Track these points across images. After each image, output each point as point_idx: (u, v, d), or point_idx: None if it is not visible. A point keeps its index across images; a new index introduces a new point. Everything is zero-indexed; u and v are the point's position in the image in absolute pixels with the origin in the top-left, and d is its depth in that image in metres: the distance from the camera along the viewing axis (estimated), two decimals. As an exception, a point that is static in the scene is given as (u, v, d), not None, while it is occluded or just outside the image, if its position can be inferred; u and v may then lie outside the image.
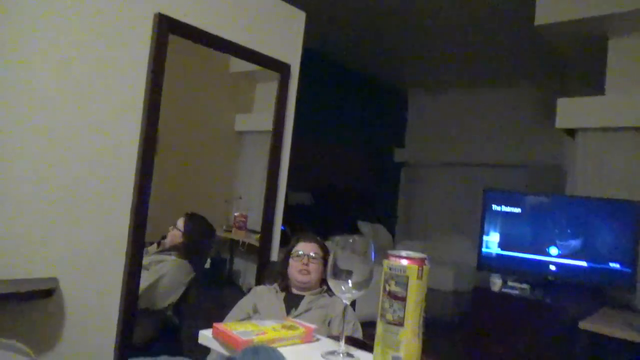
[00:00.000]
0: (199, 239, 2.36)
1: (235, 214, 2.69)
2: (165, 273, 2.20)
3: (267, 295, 1.88)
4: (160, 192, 2.03)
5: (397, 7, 4.45)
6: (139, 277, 1.94)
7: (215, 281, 2.70)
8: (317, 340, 1.04)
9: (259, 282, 2.45)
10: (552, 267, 3.26)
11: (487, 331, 3.19)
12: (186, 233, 2.30)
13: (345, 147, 6.47)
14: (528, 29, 3.84)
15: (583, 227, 3.22)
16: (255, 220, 2.60)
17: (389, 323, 0.86)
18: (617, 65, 3.56)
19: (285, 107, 2.53)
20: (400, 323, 0.85)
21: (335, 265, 0.97)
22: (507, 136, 6.39)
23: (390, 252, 0.90)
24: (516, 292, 3.18)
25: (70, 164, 1.73)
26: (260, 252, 2.49)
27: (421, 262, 0.87)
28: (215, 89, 2.67)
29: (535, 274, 3.32)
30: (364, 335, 1.69)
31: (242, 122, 2.77)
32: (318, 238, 1.96)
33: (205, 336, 0.98)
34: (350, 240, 0.97)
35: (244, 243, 2.66)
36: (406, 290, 0.85)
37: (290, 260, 1.90)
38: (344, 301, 0.99)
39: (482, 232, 3.52)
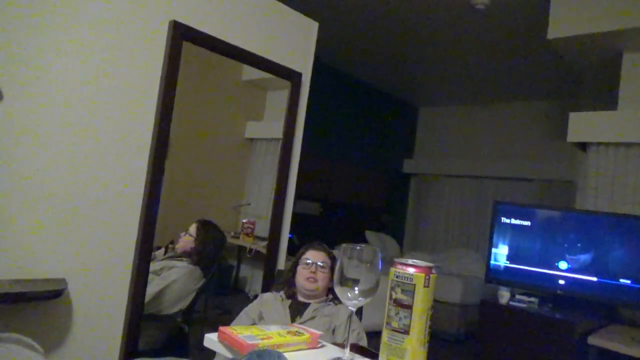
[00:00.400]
0: (212, 246, 2.37)
1: (244, 221, 2.70)
2: (177, 279, 2.21)
3: (272, 302, 1.88)
4: (169, 197, 2.05)
5: (410, 22, 4.47)
6: (146, 280, 1.96)
7: (222, 287, 2.71)
8: (322, 346, 1.04)
9: (265, 289, 2.45)
10: (561, 282, 3.22)
11: (494, 344, 3.15)
12: (199, 240, 2.31)
13: (354, 157, 6.47)
14: (541, 43, 3.84)
15: (593, 242, 3.19)
16: (263, 228, 2.61)
17: (395, 330, 0.86)
18: (630, 81, 3.54)
19: (295, 115, 2.55)
20: (405, 331, 0.85)
21: (342, 273, 0.97)
22: (518, 149, 6.36)
23: (397, 259, 0.90)
24: (524, 305, 3.15)
25: (82, 167, 1.76)
26: (268, 259, 2.49)
27: (428, 270, 0.87)
28: (227, 96, 2.70)
29: (544, 288, 3.28)
30: (370, 345, 1.68)
31: (253, 130, 2.79)
32: (327, 247, 1.97)
33: (211, 339, 0.99)
34: (358, 248, 0.98)
35: (251, 250, 2.66)
36: (412, 298, 0.85)
37: (298, 268, 1.91)
38: (350, 308, 0.99)
39: (490, 245, 3.50)
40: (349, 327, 1.03)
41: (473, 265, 5.38)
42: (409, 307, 0.85)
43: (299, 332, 1.02)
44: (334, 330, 1.74)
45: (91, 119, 1.77)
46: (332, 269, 1.87)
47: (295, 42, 2.55)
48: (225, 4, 2.19)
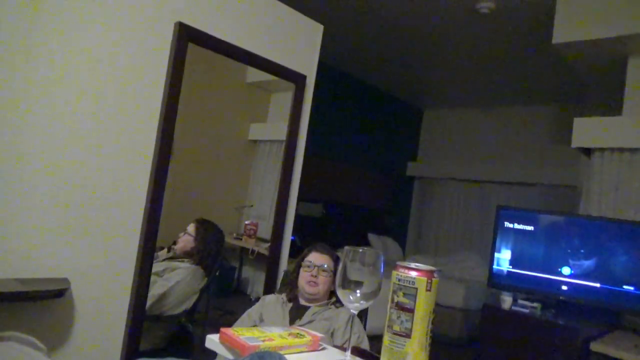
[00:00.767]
0: (212, 245, 2.38)
1: (246, 222, 2.71)
2: (181, 280, 2.22)
3: (273, 304, 1.88)
4: (173, 197, 2.06)
5: (414, 25, 4.48)
6: (149, 281, 1.96)
7: (223, 289, 2.71)
8: (323, 349, 1.04)
9: (267, 290, 2.45)
10: (564, 287, 3.21)
11: (496, 349, 3.14)
12: (198, 239, 2.32)
13: (358, 160, 6.47)
14: (546, 48, 3.83)
15: (597, 247, 3.18)
16: (265, 229, 2.62)
17: (396, 334, 0.86)
18: (635, 86, 3.53)
19: (299, 118, 2.55)
20: (407, 334, 0.85)
21: (344, 275, 0.97)
22: (522, 154, 6.34)
23: (399, 263, 0.90)
24: (526, 310, 3.13)
25: (86, 167, 1.76)
26: (270, 261, 2.49)
27: (430, 274, 0.87)
28: (231, 98, 2.70)
29: (547, 293, 3.27)
30: (373, 348, 1.68)
31: (257, 131, 2.79)
32: (330, 250, 1.95)
33: (212, 340, 0.99)
34: (360, 251, 0.98)
35: (253, 251, 2.66)
36: (414, 301, 0.85)
37: (301, 270, 1.90)
38: (352, 311, 0.99)
39: (493, 249, 3.49)
40: (351, 329, 1.03)
41: (476, 270, 5.37)
42: (411, 310, 0.85)
43: (301, 335, 1.02)
44: (332, 333, 1.74)
45: (95, 120, 1.78)
46: (335, 271, 1.85)
47: (300, 45, 2.55)
48: (230, 6, 2.19)
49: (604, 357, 2.60)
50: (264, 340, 0.94)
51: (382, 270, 0.97)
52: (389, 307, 0.89)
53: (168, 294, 2.17)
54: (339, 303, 1.80)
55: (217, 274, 2.52)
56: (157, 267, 2.21)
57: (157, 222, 1.95)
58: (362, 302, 0.96)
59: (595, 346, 2.64)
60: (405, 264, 0.89)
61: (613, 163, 3.46)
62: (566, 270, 3.22)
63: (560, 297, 3.21)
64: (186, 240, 2.33)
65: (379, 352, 0.91)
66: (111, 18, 1.80)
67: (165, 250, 2.31)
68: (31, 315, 1.65)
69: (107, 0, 1.78)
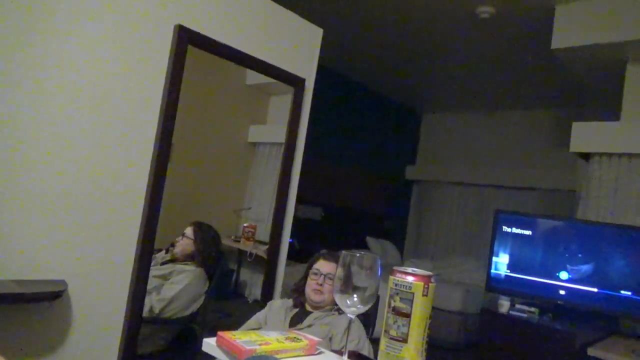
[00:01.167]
0: (211, 247, 2.40)
1: (245, 225, 2.71)
2: (190, 282, 2.26)
3: (278, 309, 1.89)
4: (171, 199, 2.06)
5: (414, 29, 4.48)
6: (146, 284, 1.96)
7: (222, 291, 2.71)
8: (320, 353, 1.04)
9: (264, 293, 2.45)
10: (562, 292, 3.21)
11: (494, 354, 3.14)
12: (198, 241, 2.33)
13: (356, 163, 6.47)
14: (545, 52, 3.84)
15: (594, 252, 3.18)
16: (264, 232, 2.61)
17: (393, 339, 0.86)
18: (634, 91, 3.54)
19: (298, 121, 2.55)
20: (404, 339, 0.85)
21: (340, 280, 0.97)
22: (520, 158, 6.35)
23: (396, 268, 0.90)
24: (524, 315, 3.13)
25: (85, 169, 1.76)
26: (268, 264, 2.49)
27: (427, 279, 0.87)
28: (230, 100, 2.71)
29: (544, 297, 3.27)
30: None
31: (256, 134, 2.80)
32: (338, 257, 1.94)
33: (209, 344, 0.99)
34: (358, 255, 0.98)
35: (251, 254, 2.66)
36: (411, 306, 0.85)
37: (308, 278, 1.89)
38: (349, 315, 0.99)
39: (491, 253, 3.49)
40: (348, 334, 1.03)
41: (474, 274, 5.37)
42: (407, 315, 0.85)
43: (297, 339, 1.02)
44: (331, 338, 1.73)
45: (94, 121, 1.78)
46: None
47: (299, 48, 2.56)
48: (230, 9, 2.20)
49: (601, 362, 2.61)
50: (260, 344, 0.94)
51: (379, 274, 0.97)
52: (385, 311, 0.89)
53: (179, 297, 2.21)
54: (341, 309, 1.80)
55: (218, 275, 2.53)
56: (162, 270, 2.23)
57: (155, 225, 1.95)
58: (359, 306, 0.96)
59: (592, 351, 2.64)
60: (402, 268, 0.89)
61: (611, 168, 3.47)
62: (564, 275, 3.22)
63: (558, 302, 3.21)
64: (186, 243, 2.34)
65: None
66: (111, 21, 1.80)
67: (164, 252, 2.32)
68: (28, 317, 1.64)
69: (106, 3, 1.79)
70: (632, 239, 3.07)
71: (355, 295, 0.96)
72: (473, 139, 6.92)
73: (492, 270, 3.47)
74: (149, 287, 2.06)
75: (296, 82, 2.51)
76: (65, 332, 1.74)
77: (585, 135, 3.61)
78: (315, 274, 1.86)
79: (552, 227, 3.43)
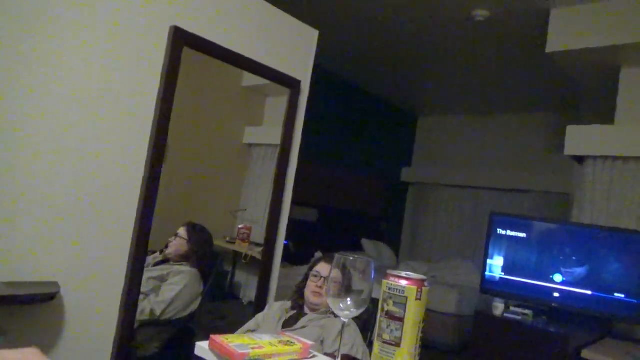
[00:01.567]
0: (205, 247, 2.40)
1: (240, 226, 2.70)
2: (188, 283, 2.26)
3: (275, 310, 1.89)
4: (166, 201, 2.05)
5: (410, 31, 4.49)
6: (140, 285, 1.95)
7: (216, 293, 2.70)
8: (314, 357, 1.04)
9: (259, 295, 2.45)
10: (556, 294, 3.22)
11: (488, 356, 3.14)
12: (192, 241, 2.33)
13: (352, 165, 6.48)
14: (540, 56, 3.86)
15: (589, 255, 3.19)
16: (259, 233, 2.61)
17: (386, 343, 0.86)
18: (628, 95, 3.56)
19: (294, 122, 2.55)
20: (397, 343, 0.85)
21: (334, 283, 0.97)
22: (515, 161, 6.37)
23: (389, 272, 0.90)
24: (518, 317, 3.14)
25: (78, 169, 1.75)
26: (263, 266, 2.49)
27: (420, 283, 0.87)
28: (226, 101, 2.70)
29: (539, 300, 3.28)
30: None
31: (251, 135, 2.79)
32: None
33: (202, 348, 0.98)
34: (351, 259, 0.98)
35: (246, 255, 2.66)
36: (404, 310, 0.85)
37: (308, 280, 1.89)
38: (342, 319, 0.99)
39: (486, 256, 3.50)
40: (341, 338, 1.03)
41: (469, 276, 5.37)
42: (401, 319, 0.85)
43: (291, 342, 1.02)
44: (322, 341, 1.73)
45: (88, 122, 1.77)
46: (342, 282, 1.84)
47: (295, 50, 2.55)
48: (225, 10, 2.20)
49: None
50: (253, 348, 0.94)
51: (372, 278, 0.97)
52: (379, 315, 0.89)
53: (178, 298, 2.21)
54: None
55: (213, 276, 2.53)
56: (157, 271, 2.23)
57: (149, 226, 1.94)
58: (352, 309, 0.96)
59: (586, 354, 2.65)
60: (396, 272, 0.90)
61: (605, 171, 3.49)
62: (558, 278, 3.24)
63: (552, 305, 3.22)
64: (179, 243, 2.34)
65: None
66: (106, 22, 1.79)
67: (158, 253, 2.31)
68: (20, 319, 1.63)
69: (101, 4, 1.78)
70: (626, 242, 3.09)
71: (349, 299, 0.96)
72: (469, 142, 6.94)
73: (487, 273, 3.48)
74: (145, 289, 2.06)
75: (292, 84, 2.51)
76: (58, 334, 1.72)
77: (580, 139, 3.63)
78: (316, 276, 1.87)
79: (546, 230, 3.44)
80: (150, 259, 2.23)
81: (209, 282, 2.39)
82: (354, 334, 1.74)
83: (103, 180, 1.82)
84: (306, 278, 1.92)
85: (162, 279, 2.22)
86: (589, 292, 3.12)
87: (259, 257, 2.53)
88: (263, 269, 2.48)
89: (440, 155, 7.27)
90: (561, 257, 3.26)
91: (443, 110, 7.23)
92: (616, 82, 3.63)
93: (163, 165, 1.97)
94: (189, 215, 2.45)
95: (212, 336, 0.97)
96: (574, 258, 3.23)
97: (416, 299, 0.86)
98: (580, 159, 3.72)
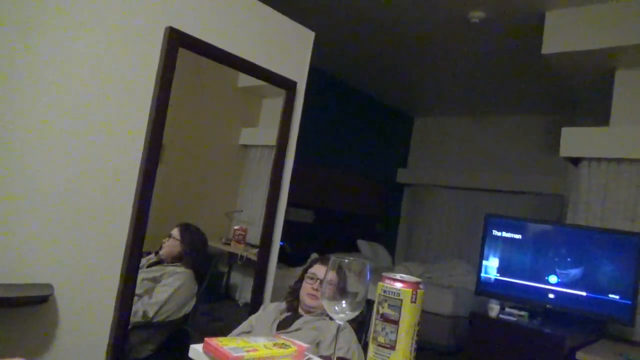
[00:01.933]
0: (199, 248, 2.39)
1: (235, 227, 2.69)
2: (182, 284, 2.25)
3: (270, 311, 1.87)
4: (161, 202, 2.05)
5: (406, 33, 4.50)
6: (135, 287, 1.94)
7: (212, 294, 2.70)
8: (309, 359, 1.04)
9: (255, 296, 2.44)
10: (551, 296, 3.23)
11: (484, 357, 3.15)
12: (185, 242, 2.33)
13: (348, 166, 6.48)
14: (535, 58, 3.87)
15: (583, 256, 3.20)
16: (254, 234, 2.60)
17: (380, 346, 0.86)
18: (623, 97, 3.58)
19: (290, 124, 2.55)
20: (392, 346, 0.85)
21: (329, 285, 0.97)
22: (511, 162, 6.39)
23: (384, 274, 0.90)
24: (514, 318, 3.15)
25: (72, 170, 1.74)
26: (258, 267, 2.48)
27: (415, 285, 0.87)
28: (222, 102, 2.69)
29: (534, 301, 3.29)
30: None
31: (247, 136, 2.79)
32: None
33: (196, 351, 0.98)
34: (347, 261, 0.97)
35: (242, 257, 2.65)
36: (399, 313, 0.85)
37: (304, 282, 1.88)
38: (337, 322, 0.99)
39: (481, 257, 3.50)
40: (336, 340, 1.03)
41: (464, 277, 5.38)
42: (396, 322, 0.85)
43: (286, 345, 1.02)
44: (318, 344, 1.72)
45: (83, 123, 1.76)
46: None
47: (291, 51, 2.55)
48: (221, 11, 2.19)
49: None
50: (247, 351, 0.93)
51: (368, 280, 0.96)
52: (374, 318, 0.88)
53: (171, 299, 2.20)
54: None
55: (208, 277, 2.53)
56: (151, 273, 2.22)
57: (144, 227, 1.93)
58: (347, 312, 0.96)
59: (581, 355, 2.66)
60: (391, 275, 0.89)
61: (600, 173, 3.50)
62: (553, 279, 3.24)
63: (547, 306, 3.23)
64: (172, 244, 2.33)
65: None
66: (101, 22, 1.79)
67: (152, 255, 2.30)
68: (14, 321, 1.62)
69: (96, 5, 1.77)
70: (620, 244, 3.10)
71: (344, 301, 0.96)
72: (464, 143, 6.96)
73: (482, 274, 3.48)
74: (139, 290, 2.04)
75: (288, 85, 2.50)
76: (52, 336, 1.71)
77: (575, 140, 3.65)
78: (312, 278, 1.84)
79: (541, 231, 3.45)
80: (144, 261, 2.22)
81: (203, 283, 2.38)
82: (349, 336, 1.73)
83: (98, 182, 1.81)
84: (301, 279, 1.91)
85: (155, 280, 2.21)
86: (584, 294, 3.14)
87: (254, 258, 2.52)
88: (259, 270, 2.48)
89: (436, 156, 7.28)
90: (556, 259, 3.27)
91: (439, 112, 7.24)
92: (611, 84, 3.65)
93: (158, 166, 1.97)
94: (184, 216, 2.44)
95: (207, 339, 0.97)
96: (569, 259, 3.24)
97: (411, 302, 0.86)
98: (575, 161, 3.73)
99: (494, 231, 3.49)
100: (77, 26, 1.72)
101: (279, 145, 2.51)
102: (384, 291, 0.87)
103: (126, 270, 1.89)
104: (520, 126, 6.42)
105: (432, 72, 5.58)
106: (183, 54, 2.02)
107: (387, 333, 0.85)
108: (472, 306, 4.54)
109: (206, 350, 0.95)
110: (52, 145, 1.69)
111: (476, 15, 3.88)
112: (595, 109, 4.43)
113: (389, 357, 0.85)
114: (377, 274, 0.93)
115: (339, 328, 0.99)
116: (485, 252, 3.49)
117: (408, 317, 0.85)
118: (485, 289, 3.46)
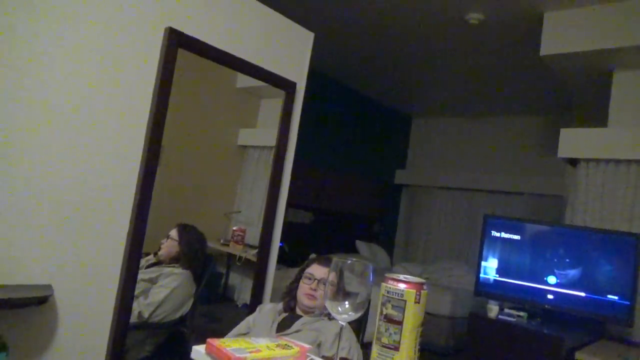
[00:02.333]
0: (197, 248, 2.38)
1: (234, 228, 2.69)
2: (178, 285, 2.24)
3: (266, 313, 1.86)
4: (160, 203, 2.04)
5: (404, 34, 4.50)
6: (134, 287, 1.94)
7: (210, 295, 2.69)
8: (311, 360, 1.03)
9: (254, 297, 2.43)
10: (550, 296, 3.23)
11: (482, 358, 3.15)
12: (183, 243, 2.32)
13: (347, 167, 6.48)
14: (534, 59, 3.88)
15: (582, 257, 3.21)
16: (253, 235, 2.60)
17: (384, 347, 0.86)
18: (621, 98, 3.59)
19: (289, 124, 2.54)
20: (395, 347, 0.85)
21: (332, 286, 0.97)
22: (509, 163, 6.40)
23: (388, 275, 0.90)
24: (513, 319, 3.15)
25: (72, 171, 1.74)
26: (257, 268, 2.48)
27: (419, 286, 0.87)
28: (220, 103, 2.69)
29: (533, 302, 3.29)
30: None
31: (246, 137, 2.78)
32: None
33: (198, 352, 0.97)
34: (349, 262, 0.97)
35: (240, 257, 2.65)
36: (403, 314, 0.85)
37: (301, 282, 1.86)
38: (340, 322, 0.98)
39: (480, 258, 3.51)
40: (339, 341, 1.03)
41: (463, 278, 5.39)
42: (399, 323, 0.85)
43: (288, 346, 1.01)
44: (320, 345, 1.71)
45: (82, 124, 1.76)
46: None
47: (290, 52, 2.55)
48: (221, 12, 2.19)
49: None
50: (250, 352, 0.93)
51: (371, 281, 0.96)
52: (377, 319, 0.88)
53: (167, 300, 2.19)
54: (331, 315, 1.78)
55: (206, 278, 2.52)
56: (149, 273, 2.21)
57: (143, 228, 1.93)
58: (350, 313, 0.96)
59: (580, 355, 2.66)
60: (395, 275, 0.89)
61: (598, 174, 3.51)
62: (552, 280, 3.25)
63: (546, 306, 3.23)
64: (170, 245, 2.32)
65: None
66: (100, 23, 1.78)
67: (151, 255, 2.30)
68: (13, 322, 1.61)
69: (96, 5, 1.77)
70: (618, 244, 3.11)
71: (346, 302, 0.95)
72: (463, 144, 6.97)
73: (481, 275, 3.49)
74: (136, 291, 2.04)
75: (287, 86, 2.50)
76: (51, 337, 1.71)
77: (573, 141, 3.65)
78: (309, 278, 1.82)
79: (540, 232, 3.45)
80: (143, 262, 2.21)
81: (201, 283, 2.37)
82: (350, 336, 1.73)
83: (97, 183, 1.80)
84: (298, 279, 1.88)
85: (152, 281, 2.20)
86: (583, 294, 3.14)
87: (253, 259, 2.52)
88: (258, 271, 2.47)
89: (434, 157, 7.28)
90: (555, 259, 3.28)
91: (437, 113, 7.25)
92: (609, 85, 3.66)
93: (158, 166, 1.96)
94: (184, 217, 2.43)
95: (209, 340, 0.96)
96: (567, 260, 3.24)
97: (415, 302, 0.85)
98: (573, 162, 3.74)
99: (492, 232, 3.50)
100: (76, 26, 1.72)
101: (278, 146, 2.51)
102: (388, 292, 0.87)
103: (126, 271, 1.88)
104: (519, 127, 6.43)
105: (431, 74, 5.59)
106: (182, 55, 2.01)
107: (390, 334, 0.85)
108: (471, 307, 4.55)
109: (209, 351, 0.95)
110: (52, 145, 1.68)
111: (474, 16, 3.88)
112: (593, 110, 4.44)
113: (392, 358, 0.84)
114: (376, 275, 0.93)
115: (342, 328, 0.99)
116: (484, 252, 3.49)
117: (412, 318, 0.85)
118: (484, 289, 3.46)
